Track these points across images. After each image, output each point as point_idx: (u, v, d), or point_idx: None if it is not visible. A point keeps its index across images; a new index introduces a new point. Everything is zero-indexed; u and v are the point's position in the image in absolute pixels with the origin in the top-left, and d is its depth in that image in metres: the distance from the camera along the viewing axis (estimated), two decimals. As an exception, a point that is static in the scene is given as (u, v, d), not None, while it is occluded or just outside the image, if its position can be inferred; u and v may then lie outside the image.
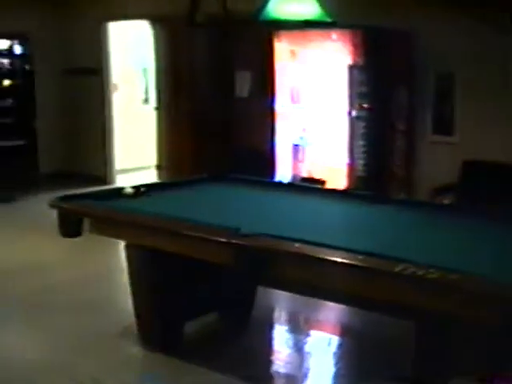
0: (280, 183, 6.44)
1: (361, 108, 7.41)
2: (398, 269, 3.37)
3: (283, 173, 8.14)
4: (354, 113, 7.47)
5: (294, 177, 8.07)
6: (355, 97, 7.45)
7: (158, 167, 10.77)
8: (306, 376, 4.77)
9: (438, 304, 3.28)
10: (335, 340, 5.46)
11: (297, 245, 3.78)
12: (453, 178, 7.41)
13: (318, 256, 3.65)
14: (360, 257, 3.55)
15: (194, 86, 9.89)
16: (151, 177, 10.58)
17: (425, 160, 7.90)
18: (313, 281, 3.81)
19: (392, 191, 7.57)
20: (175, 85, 10.04)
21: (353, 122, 7.52)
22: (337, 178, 7.65)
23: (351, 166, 7.63)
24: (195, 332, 5.20)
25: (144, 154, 11.70)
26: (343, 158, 7.65)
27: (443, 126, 7.80)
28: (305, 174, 8.01)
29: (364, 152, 7.54)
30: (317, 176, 7.83)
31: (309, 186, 5.94)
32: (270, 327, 5.59)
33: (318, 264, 3.67)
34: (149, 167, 11.39)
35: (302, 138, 7.96)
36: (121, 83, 11.91)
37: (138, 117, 12.11)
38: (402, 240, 4.03)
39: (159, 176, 10.55)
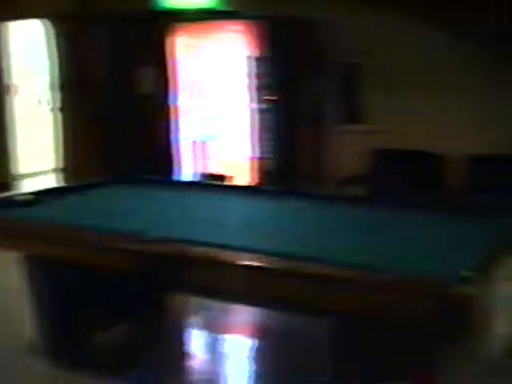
0: (186, 182, 6.16)
1: (265, 100, 7.23)
2: (307, 270, 3.19)
3: (188, 170, 7.90)
4: (258, 105, 7.28)
5: (200, 174, 7.84)
6: (259, 89, 7.26)
7: (64, 170, 10.39)
8: (223, 380, 4.55)
9: (352, 304, 3.09)
10: (252, 342, 5.25)
11: (202, 249, 3.56)
12: (363, 167, 7.29)
13: (224, 260, 3.43)
14: (268, 259, 3.35)
15: (95, 84, 9.54)
16: (57, 180, 10.20)
17: (334, 150, 7.75)
18: (222, 285, 3.60)
19: (301, 184, 7.41)
20: (76, 84, 9.67)
21: (257, 114, 7.32)
22: (243, 173, 7.46)
23: (257, 161, 7.43)
24: (106, 344, 4.90)
25: (50, 157, 11.24)
26: (249, 153, 7.45)
27: (352, 115, 7.68)
28: (210, 171, 7.78)
29: (270, 145, 7.36)
30: (222, 172, 7.61)
31: (215, 184, 5.68)
32: (185, 334, 5.33)
33: (225, 268, 3.46)
34: (54, 170, 10.97)
35: (205, 133, 7.72)
36: (21, 85, 11.43)
37: (41, 119, 11.63)
38: (312, 237, 3.84)
39: (65, 179, 10.17)
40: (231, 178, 7.45)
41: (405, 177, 6.99)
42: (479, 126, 6.89)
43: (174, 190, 5.19)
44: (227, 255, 3.44)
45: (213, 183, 5.91)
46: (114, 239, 3.82)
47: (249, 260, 3.38)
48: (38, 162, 11.48)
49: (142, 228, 3.83)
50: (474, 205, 4.38)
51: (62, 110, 9.98)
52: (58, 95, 10.00)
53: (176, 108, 7.77)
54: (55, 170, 10.63)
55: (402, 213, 4.26)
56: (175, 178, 7.24)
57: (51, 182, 9.87)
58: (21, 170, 11.15)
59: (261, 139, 7.38)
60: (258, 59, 7.11)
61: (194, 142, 7.84)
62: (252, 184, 6.96)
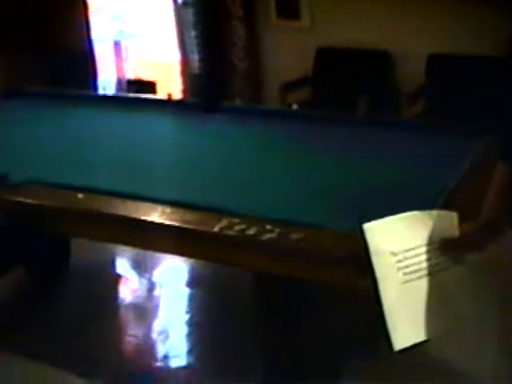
0: (88, 96, 4.98)
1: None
2: (218, 227, 2.26)
3: (106, 76, 6.83)
4: (180, -2, 6.21)
5: (119, 80, 6.78)
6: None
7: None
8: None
9: (279, 268, 2.30)
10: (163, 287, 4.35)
11: (80, 195, 2.59)
12: (306, 69, 6.27)
13: (102, 213, 2.49)
14: (168, 210, 2.41)
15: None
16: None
17: (271, 50, 6.71)
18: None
19: (235, 90, 6.40)
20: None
21: (180, 9, 6.24)
22: (168, 78, 6.48)
23: (184, 63, 6.39)
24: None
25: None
26: (174, 54, 6.40)
27: (289, 8, 6.56)
28: (131, 76, 6.73)
29: (197, 45, 6.33)
30: (145, 77, 6.57)
31: (126, 98, 4.66)
32: (90, 281, 4.38)
33: (112, 222, 2.51)
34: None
35: (121, 31, 6.64)
36: None
37: None
38: (231, 175, 2.89)
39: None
40: (154, 83, 6.46)
41: (355, 80, 6.02)
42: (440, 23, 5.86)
43: (70, 108, 4.17)
44: (108, 205, 2.50)
45: (123, 96, 4.89)
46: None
47: (141, 213, 2.45)
48: None
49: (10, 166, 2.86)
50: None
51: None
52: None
53: (86, 3, 6.60)
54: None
55: (351, 133, 3.33)
56: (79, 88, 6.11)
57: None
58: None
59: (188, 38, 6.31)
60: None
61: (112, 44, 6.74)
62: (174, 95, 5.89)
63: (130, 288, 4.33)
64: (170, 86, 6.45)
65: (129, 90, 6.70)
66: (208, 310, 3.98)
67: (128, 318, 4.07)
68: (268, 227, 2.27)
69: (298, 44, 6.51)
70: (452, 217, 1.89)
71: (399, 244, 1.82)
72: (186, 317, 3.91)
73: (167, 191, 2.61)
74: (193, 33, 6.30)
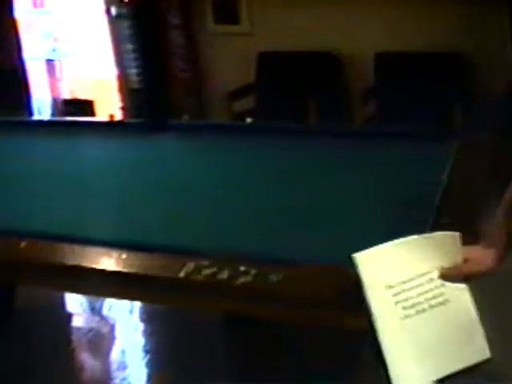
0: (24, 121, 4.63)
1: (122, 3, 5.85)
2: (183, 272, 2.00)
3: (41, 96, 6.49)
4: (113, 10, 5.90)
5: (55, 100, 6.45)
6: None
7: None
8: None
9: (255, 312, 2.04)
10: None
11: (22, 244, 2.31)
12: (249, 76, 6.01)
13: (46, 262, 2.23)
14: (124, 255, 2.14)
15: None
16: None
17: (211, 58, 6.41)
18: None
19: (178, 102, 6.11)
20: None
21: (114, 22, 5.95)
22: (107, 95, 6.14)
23: (122, 78, 6.09)
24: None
25: None
26: (111, 69, 6.10)
27: (227, 12, 6.28)
28: (67, 95, 6.40)
29: (135, 58, 6.02)
30: (82, 96, 6.25)
31: (64, 121, 4.33)
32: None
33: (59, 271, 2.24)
34: None
35: (54, 49, 6.31)
36: None
37: None
38: (191, 207, 2.61)
39: None
40: (91, 102, 6.14)
41: (301, 85, 5.79)
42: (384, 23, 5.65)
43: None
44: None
45: (60, 120, 4.57)
46: None
47: (91, 259, 2.17)
48: None
49: None
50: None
51: None
52: None
53: (15, 21, 6.25)
54: None
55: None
56: (11, 110, 5.75)
57: None
58: None
59: (125, 51, 6.01)
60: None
61: (48, 61, 6.41)
62: (115, 113, 5.58)
63: (82, 326, 4.03)
64: (109, 103, 6.14)
65: (65, 111, 6.38)
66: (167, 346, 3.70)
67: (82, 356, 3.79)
68: (242, 268, 2.01)
69: (239, 50, 6.23)
70: (454, 238, 1.66)
71: (396, 275, 1.60)
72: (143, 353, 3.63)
73: (118, 231, 2.33)
74: (129, 46, 5.99)
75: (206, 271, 2.02)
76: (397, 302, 1.59)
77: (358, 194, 2.54)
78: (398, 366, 1.56)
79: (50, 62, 6.53)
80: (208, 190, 2.75)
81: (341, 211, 2.41)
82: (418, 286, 1.62)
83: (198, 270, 2.03)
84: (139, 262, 2.15)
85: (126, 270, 2.11)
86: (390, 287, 1.59)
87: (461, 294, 1.65)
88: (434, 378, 1.59)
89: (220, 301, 2.03)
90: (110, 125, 3.86)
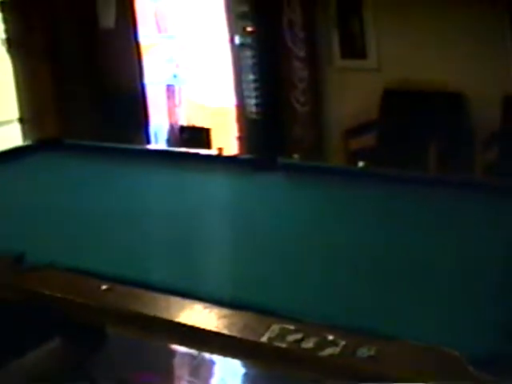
0: (138, 149, 4.53)
1: (245, 32, 5.75)
2: (266, 336, 1.81)
3: (158, 121, 6.49)
4: (237, 39, 5.83)
5: (172, 125, 6.42)
6: (237, 19, 5.82)
7: (21, 120, 8.98)
8: None
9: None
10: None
11: (103, 287, 2.15)
12: (371, 114, 5.79)
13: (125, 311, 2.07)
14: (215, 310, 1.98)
15: (49, 17, 8.02)
16: (15, 132, 8.81)
17: (334, 92, 6.23)
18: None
19: (294, 136, 5.97)
20: (26, 17, 8.16)
21: (237, 50, 5.89)
22: (224, 124, 6.07)
23: (240, 107, 6.00)
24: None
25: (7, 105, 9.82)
26: (230, 98, 6.02)
27: (355, 47, 6.09)
28: (184, 122, 6.37)
29: (255, 88, 5.92)
30: (199, 123, 6.20)
31: (179, 153, 4.22)
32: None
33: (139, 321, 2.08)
34: (11, 121, 9.53)
35: (175, 75, 6.29)
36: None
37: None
38: (289, 260, 2.41)
39: (23, 131, 8.77)
40: (208, 130, 6.08)
41: (425, 125, 5.53)
42: None
43: (112, 165, 3.78)
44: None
45: (177, 151, 4.48)
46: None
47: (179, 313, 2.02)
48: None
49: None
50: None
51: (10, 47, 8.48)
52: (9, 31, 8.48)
53: (139, 45, 6.26)
54: (19, 120, 9.21)
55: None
56: (130, 133, 5.75)
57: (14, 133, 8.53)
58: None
59: (245, 81, 5.93)
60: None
61: (167, 87, 6.40)
62: (230, 142, 5.48)
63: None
64: (225, 132, 6.06)
65: (181, 137, 6.37)
66: None
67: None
68: (330, 337, 1.80)
69: (364, 85, 6.02)
70: None
71: None
72: None
73: (213, 285, 2.16)
74: (250, 76, 5.90)
75: (290, 337, 1.82)
76: None
77: (486, 262, 2.26)
78: None
79: (169, 87, 6.51)
80: (315, 243, 2.52)
81: (457, 282, 2.15)
82: None
83: (282, 334, 1.84)
84: (228, 319, 1.97)
85: (203, 327, 1.94)
86: None
87: None
88: None
89: (301, 371, 1.83)
90: (217, 158, 3.73)
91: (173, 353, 3.92)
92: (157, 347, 3.78)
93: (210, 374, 3.81)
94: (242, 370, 3.71)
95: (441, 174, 4.52)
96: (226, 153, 3.81)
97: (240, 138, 6.13)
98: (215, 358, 3.80)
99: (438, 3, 5.51)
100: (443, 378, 1.60)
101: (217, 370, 3.83)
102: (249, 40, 5.82)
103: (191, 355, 3.86)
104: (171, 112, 6.57)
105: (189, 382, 3.79)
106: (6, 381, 3.49)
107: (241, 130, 6.09)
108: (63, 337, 3.90)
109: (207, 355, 3.71)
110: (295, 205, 3.00)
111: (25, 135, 8.38)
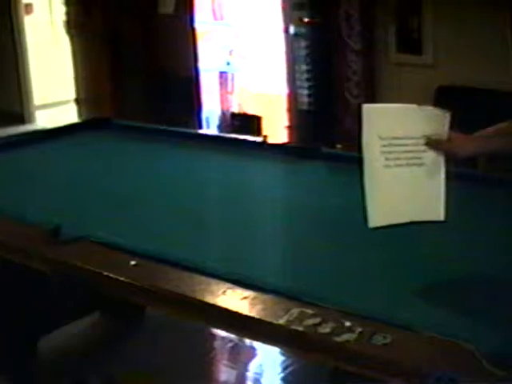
0: (188, 133, 4.57)
1: (301, 23, 5.76)
2: (284, 319, 1.82)
3: (210, 107, 6.57)
4: (292, 29, 5.85)
5: (223, 112, 6.49)
6: (293, 9, 5.84)
7: (77, 101, 9.14)
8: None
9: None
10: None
11: (133, 262, 2.20)
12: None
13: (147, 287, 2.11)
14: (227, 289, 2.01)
15: (109, 0, 8.15)
16: (71, 112, 8.98)
17: (387, 86, 6.22)
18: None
19: (346, 128, 5.97)
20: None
21: (292, 40, 5.91)
22: (275, 113, 6.15)
23: (292, 97, 6.03)
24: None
25: (65, 86, 10.00)
26: (282, 87, 6.06)
27: (410, 42, 6.08)
28: (235, 109, 6.44)
29: (308, 79, 5.95)
30: (250, 110, 6.26)
31: (229, 138, 4.27)
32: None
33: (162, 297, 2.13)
34: (68, 101, 9.71)
35: (228, 63, 6.35)
36: (36, 3, 10.17)
37: (56, 43, 10.34)
38: (316, 250, 2.41)
39: (79, 112, 8.93)
40: (259, 118, 6.14)
41: (476, 124, 5.46)
42: None
43: (158, 146, 3.83)
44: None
45: (226, 137, 4.52)
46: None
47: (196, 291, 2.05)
48: (57, 92, 10.29)
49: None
50: None
51: (70, 31, 8.64)
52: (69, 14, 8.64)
53: (195, 32, 6.34)
54: (76, 101, 9.37)
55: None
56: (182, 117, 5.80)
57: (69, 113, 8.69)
58: (37, 101, 10.04)
59: (298, 71, 5.97)
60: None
61: (217, 74, 6.47)
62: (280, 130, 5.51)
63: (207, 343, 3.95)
64: (276, 120, 6.10)
65: (232, 124, 6.42)
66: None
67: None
68: (347, 324, 1.81)
69: (418, 81, 6.02)
70: (445, 117, 2.05)
71: (389, 130, 1.99)
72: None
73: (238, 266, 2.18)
74: (304, 66, 5.92)
75: (308, 321, 1.84)
76: (382, 152, 1.98)
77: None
78: (373, 204, 1.96)
79: (223, 73, 6.57)
80: (347, 235, 2.52)
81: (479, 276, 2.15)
82: (404, 145, 2.01)
83: (300, 318, 1.86)
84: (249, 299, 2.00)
85: (225, 306, 1.97)
86: (381, 139, 1.97)
87: (436, 163, 2.03)
88: (395, 221, 1.99)
89: (316, 355, 1.85)
90: (262, 145, 3.76)
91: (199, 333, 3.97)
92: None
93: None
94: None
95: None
96: (274, 141, 3.86)
97: (290, 128, 6.16)
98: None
99: (496, 2, 5.48)
100: (456, 371, 1.59)
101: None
102: (303, 30, 5.83)
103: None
104: (223, 99, 6.62)
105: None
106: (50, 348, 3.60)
107: (291, 119, 6.11)
108: (102, 310, 3.99)
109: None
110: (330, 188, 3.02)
111: (81, 116, 8.53)
